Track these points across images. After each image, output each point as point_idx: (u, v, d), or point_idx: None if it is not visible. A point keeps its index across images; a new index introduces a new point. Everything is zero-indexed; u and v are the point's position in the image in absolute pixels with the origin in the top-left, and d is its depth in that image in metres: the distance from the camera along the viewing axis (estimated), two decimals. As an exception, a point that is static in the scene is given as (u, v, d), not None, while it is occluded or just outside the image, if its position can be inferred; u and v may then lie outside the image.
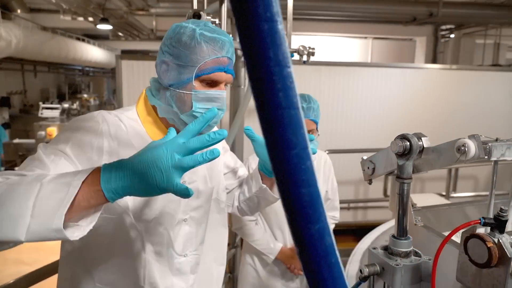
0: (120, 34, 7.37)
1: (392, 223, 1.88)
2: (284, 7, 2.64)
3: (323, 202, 0.31)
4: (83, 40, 8.73)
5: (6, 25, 5.29)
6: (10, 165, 6.81)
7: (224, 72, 0.93)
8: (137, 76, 3.65)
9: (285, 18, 2.56)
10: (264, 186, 1.12)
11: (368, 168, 0.71)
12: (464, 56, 7.82)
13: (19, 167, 0.84)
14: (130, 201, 0.91)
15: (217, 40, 0.92)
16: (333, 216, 1.88)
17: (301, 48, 2.43)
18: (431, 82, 4.13)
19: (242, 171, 1.27)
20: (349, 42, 8.42)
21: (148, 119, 0.99)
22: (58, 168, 0.80)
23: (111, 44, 10.09)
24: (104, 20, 5.11)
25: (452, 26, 7.56)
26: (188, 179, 1.01)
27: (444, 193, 3.64)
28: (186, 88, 0.92)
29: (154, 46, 9.58)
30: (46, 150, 0.85)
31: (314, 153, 1.68)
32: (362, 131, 4.00)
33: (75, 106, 7.04)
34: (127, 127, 0.95)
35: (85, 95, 11.13)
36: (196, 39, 0.90)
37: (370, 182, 0.74)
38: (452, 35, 7.87)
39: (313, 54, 2.48)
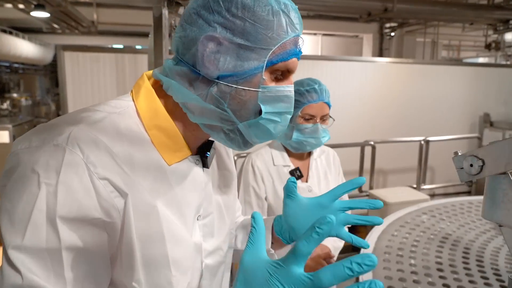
0: (55, 26, 6.64)
1: (393, 218, 1.76)
2: None
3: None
4: (11, 33, 7.77)
5: None
6: None
7: (297, 58, 0.67)
8: (83, 70, 3.23)
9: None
10: (272, 251, 0.88)
11: (472, 165, 0.55)
12: (407, 53, 8.24)
13: None
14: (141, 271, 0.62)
15: (292, 10, 0.64)
16: None
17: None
18: (392, 76, 4.19)
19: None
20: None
21: (158, 124, 0.65)
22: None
23: (44, 38, 9.12)
24: (40, 7, 4.50)
25: (395, 24, 7.91)
26: (204, 211, 0.73)
27: (414, 186, 3.70)
28: (251, 82, 0.62)
29: (95, 41, 8.83)
30: (33, 263, 0.50)
31: (326, 141, 1.51)
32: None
33: (5, 106, 6.23)
34: (125, 137, 0.61)
35: (15, 95, 9.99)
36: (272, 8, 0.61)
37: (471, 183, 0.57)
38: (393, 33, 8.24)
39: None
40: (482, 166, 0.53)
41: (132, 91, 0.68)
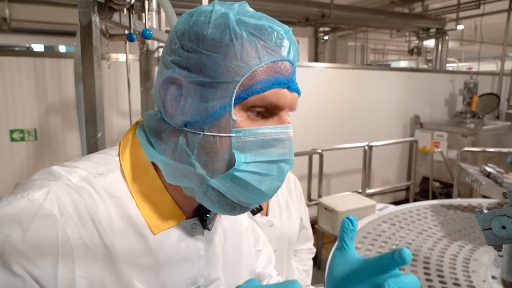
0: (-42, 22, 5.75)
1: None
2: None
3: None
4: None
5: None
6: None
7: (287, 88, 0.51)
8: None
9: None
10: None
11: (504, 228, 0.45)
12: (340, 57, 8.59)
13: None
14: None
15: (270, 31, 0.49)
16: (309, 249, 1.59)
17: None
18: (332, 81, 4.26)
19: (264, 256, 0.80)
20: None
21: (143, 185, 0.55)
22: None
23: None
24: None
25: (329, 29, 8.19)
26: (205, 280, 0.60)
27: (359, 190, 3.78)
28: (220, 126, 0.50)
29: (8, 40, 7.85)
30: None
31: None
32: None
33: None
34: (111, 214, 0.51)
35: None
36: (232, 30, 0.48)
37: (500, 249, 0.48)
38: (326, 37, 8.53)
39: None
40: (517, 228, 0.43)
41: (120, 143, 0.59)
